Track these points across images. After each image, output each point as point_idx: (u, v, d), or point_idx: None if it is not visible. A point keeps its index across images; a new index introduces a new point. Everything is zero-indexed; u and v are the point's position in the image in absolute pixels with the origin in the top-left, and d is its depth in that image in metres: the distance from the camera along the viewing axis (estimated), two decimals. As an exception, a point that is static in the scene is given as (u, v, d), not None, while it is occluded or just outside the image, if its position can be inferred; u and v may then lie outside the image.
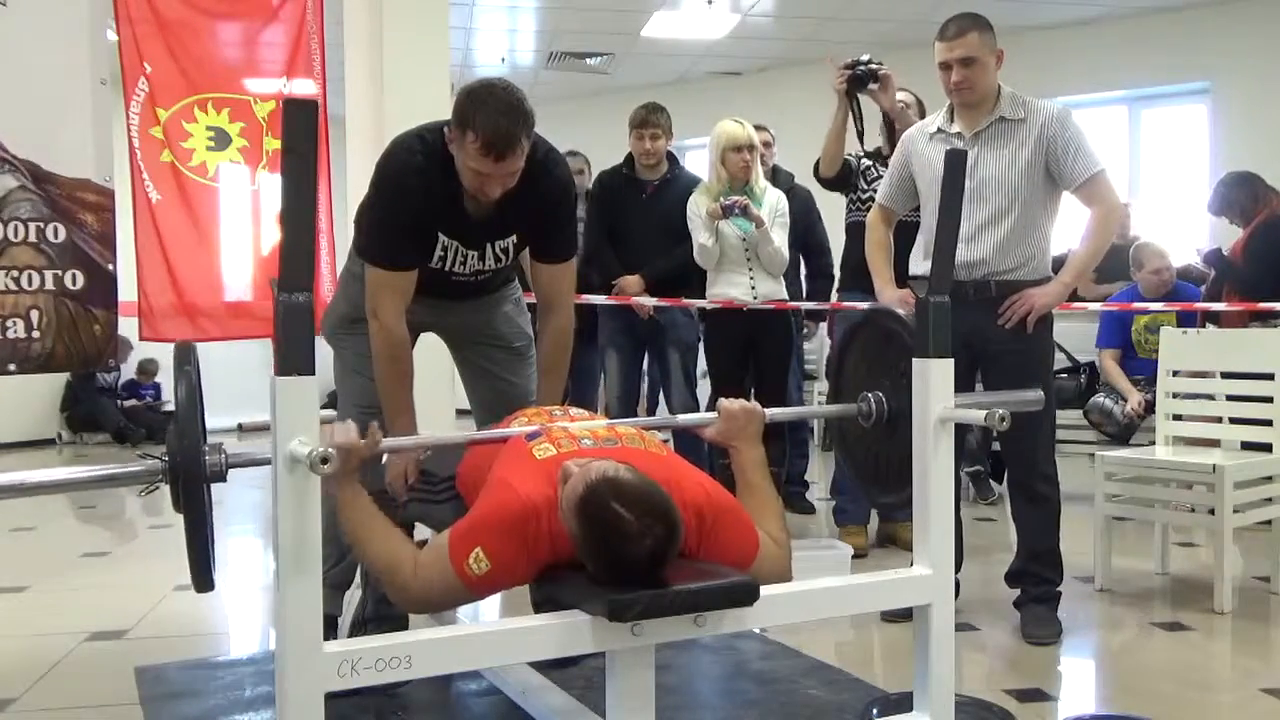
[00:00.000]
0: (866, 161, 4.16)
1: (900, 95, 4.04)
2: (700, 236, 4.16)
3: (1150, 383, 4.34)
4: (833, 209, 4.69)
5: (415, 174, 2.43)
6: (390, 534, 1.91)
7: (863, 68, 3.88)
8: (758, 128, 4.42)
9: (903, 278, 3.40)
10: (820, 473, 6.26)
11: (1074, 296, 3.33)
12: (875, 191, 3.93)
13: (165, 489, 1.73)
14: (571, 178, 2.62)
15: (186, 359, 1.81)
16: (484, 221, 2.52)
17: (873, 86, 3.90)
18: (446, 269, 2.57)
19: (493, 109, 2.27)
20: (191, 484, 1.69)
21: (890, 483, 2.23)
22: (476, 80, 2.38)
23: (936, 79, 3.12)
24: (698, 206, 4.20)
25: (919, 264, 3.33)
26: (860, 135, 4.06)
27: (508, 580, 1.88)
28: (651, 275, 4.40)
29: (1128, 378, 4.87)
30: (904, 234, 3.50)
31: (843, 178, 4.12)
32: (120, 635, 3.17)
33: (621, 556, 1.75)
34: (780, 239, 4.16)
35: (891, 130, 3.95)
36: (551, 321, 2.66)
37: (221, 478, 1.76)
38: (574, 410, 2.32)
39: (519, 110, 2.30)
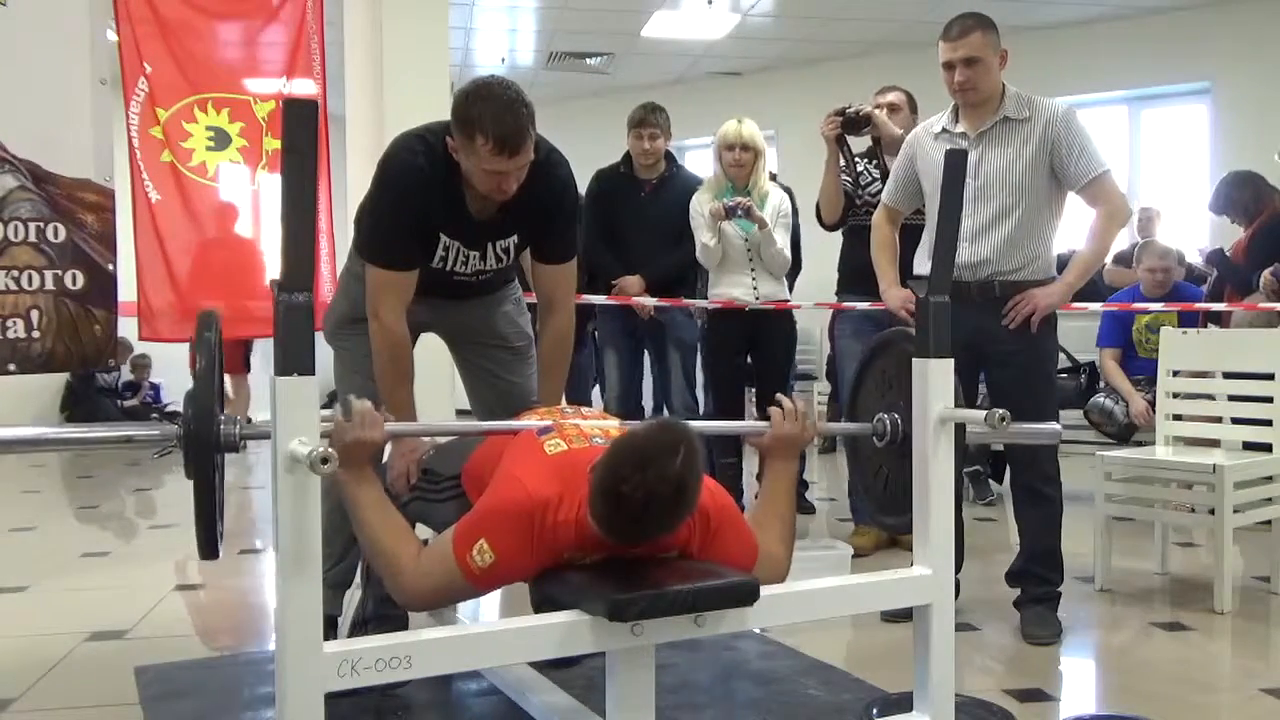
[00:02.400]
0: (860, 167, 4.15)
1: (890, 96, 4.06)
2: (703, 236, 4.16)
3: (1151, 382, 4.33)
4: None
5: (416, 174, 2.43)
6: (396, 525, 1.92)
7: (852, 112, 3.94)
8: None
9: (907, 280, 3.40)
10: (820, 473, 6.26)
11: (1079, 295, 3.32)
12: (871, 194, 3.96)
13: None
14: (573, 178, 2.62)
15: (208, 327, 1.82)
16: (486, 222, 2.52)
17: (867, 130, 3.97)
18: (448, 269, 2.57)
19: (496, 108, 2.27)
20: (202, 450, 1.70)
21: (895, 504, 2.24)
22: (470, 83, 2.36)
23: (937, 79, 3.12)
24: (700, 205, 4.20)
25: (923, 264, 3.33)
26: (855, 180, 4.06)
27: (510, 574, 1.88)
28: (651, 276, 4.40)
29: (1128, 377, 4.87)
30: (908, 237, 3.50)
31: (845, 218, 4.13)
32: (120, 635, 3.17)
33: (643, 479, 1.73)
34: (783, 240, 4.16)
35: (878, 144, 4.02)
36: (552, 322, 2.66)
37: (235, 448, 1.79)
38: (585, 409, 2.33)
39: (520, 103, 2.30)
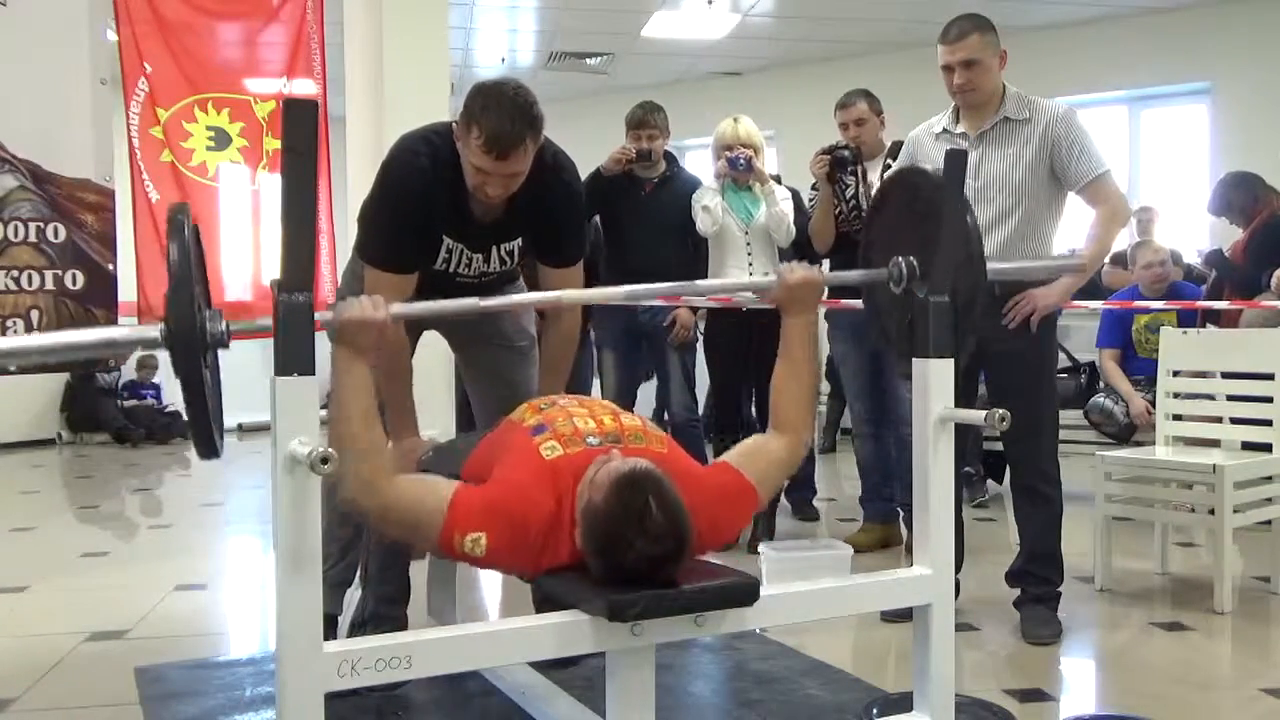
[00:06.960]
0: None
1: (855, 111, 4.08)
2: (706, 199, 4.17)
3: (1150, 383, 4.33)
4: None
5: (419, 176, 2.42)
6: (374, 423, 1.82)
7: (840, 152, 4.00)
8: None
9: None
10: (820, 473, 6.24)
11: (1079, 295, 3.33)
12: (847, 197, 4.03)
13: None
14: (580, 181, 2.60)
15: (179, 220, 1.72)
16: (490, 224, 2.50)
17: (854, 169, 4.01)
18: (450, 271, 2.55)
19: (501, 108, 2.26)
20: (188, 349, 1.64)
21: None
22: (493, 78, 2.37)
23: (937, 78, 3.12)
24: (701, 196, 4.21)
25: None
26: (839, 219, 4.07)
27: (487, 566, 1.93)
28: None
29: (1128, 377, 4.87)
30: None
31: (839, 248, 4.15)
32: (120, 635, 3.17)
33: (634, 552, 1.76)
34: (786, 209, 4.17)
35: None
36: (557, 325, 2.65)
37: (224, 344, 1.72)
38: (583, 398, 2.32)
39: (527, 113, 2.29)
